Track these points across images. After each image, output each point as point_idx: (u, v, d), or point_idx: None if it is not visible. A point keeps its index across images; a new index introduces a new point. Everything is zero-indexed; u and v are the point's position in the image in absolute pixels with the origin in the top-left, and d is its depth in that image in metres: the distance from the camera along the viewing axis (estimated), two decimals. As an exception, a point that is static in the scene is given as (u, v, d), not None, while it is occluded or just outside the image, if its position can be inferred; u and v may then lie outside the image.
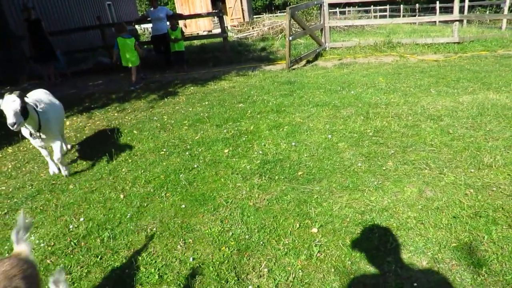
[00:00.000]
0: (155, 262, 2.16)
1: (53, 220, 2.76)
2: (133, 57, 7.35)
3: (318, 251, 2.13)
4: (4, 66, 9.36)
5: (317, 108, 4.76)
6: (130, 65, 7.41)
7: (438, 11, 20.99)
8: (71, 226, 2.64)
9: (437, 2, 21.05)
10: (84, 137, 4.69)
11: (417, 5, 24.92)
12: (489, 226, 2.20)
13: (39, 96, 3.44)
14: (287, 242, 2.24)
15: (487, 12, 19.22)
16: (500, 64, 6.70)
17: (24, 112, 2.89)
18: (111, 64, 10.09)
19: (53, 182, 3.45)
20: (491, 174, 2.78)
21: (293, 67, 7.83)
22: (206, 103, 5.62)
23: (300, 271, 2.00)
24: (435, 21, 17.42)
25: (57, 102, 3.78)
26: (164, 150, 3.90)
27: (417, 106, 4.51)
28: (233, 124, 4.46)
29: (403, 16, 25.18)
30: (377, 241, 2.17)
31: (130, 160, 3.75)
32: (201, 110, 5.25)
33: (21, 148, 4.60)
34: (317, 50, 8.90)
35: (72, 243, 2.44)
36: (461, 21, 10.19)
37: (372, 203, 2.55)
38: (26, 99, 2.94)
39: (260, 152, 3.59)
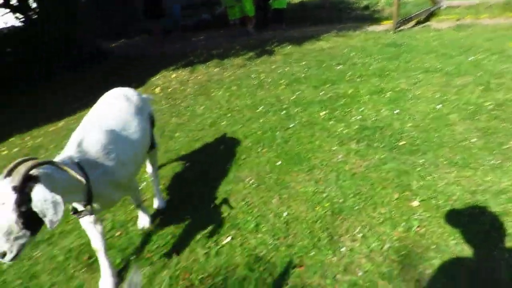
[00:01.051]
0: (252, 211, 2.29)
1: (162, 163, 3.08)
2: (251, 7, 8.21)
3: (418, 226, 2.02)
4: (120, 21, 10.33)
5: (426, 74, 4.32)
6: (249, 15, 8.32)
7: None
8: (178, 170, 2.92)
9: None
10: (188, 89, 5.02)
11: None
12: None
13: (103, 118, 1.94)
14: (383, 211, 2.17)
15: None
16: None
17: (30, 218, 1.29)
18: (212, 21, 10.47)
19: (162, 129, 3.81)
20: None
21: (400, 28, 7.15)
22: (304, 63, 5.51)
23: (396, 242, 1.93)
24: None
25: (137, 119, 2.04)
26: (261, 107, 3.99)
27: (555, 78, 3.80)
28: (331, 87, 4.33)
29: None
30: (488, 225, 1.97)
31: (229, 115, 3.93)
32: (298, 70, 5.18)
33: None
34: (431, 9, 7.95)
35: (178, 185, 2.71)
36: None
37: (486, 183, 2.29)
38: (40, 176, 1.33)
39: (359, 117, 3.44)
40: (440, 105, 3.45)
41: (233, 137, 3.37)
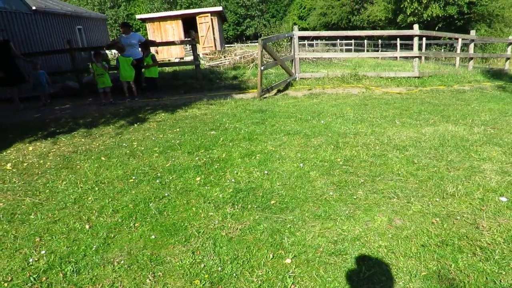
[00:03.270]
0: (123, 297, 2.05)
1: (11, 253, 2.57)
2: (131, 72, 8.57)
3: (292, 283, 2.11)
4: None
5: (289, 136, 4.84)
6: (129, 80, 8.68)
7: (399, 47, 22.41)
8: (31, 260, 2.47)
9: (398, 39, 22.50)
10: (48, 163, 4.47)
11: (379, 40, 26.49)
12: (455, 255, 2.27)
13: None
14: (260, 273, 2.20)
15: (442, 50, 20.74)
16: (456, 98, 7.17)
17: None
18: (78, 89, 9.90)
19: (13, 211, 3.24)
20: (454, 203, 2.91)
21: (264, 96, 7.99)
22: (177, 130, 5.57)
23: (274, 304, 1.96)
24: (396, 57, 18.52)
25: None
26: (134, 177, 3.79)
27: (383, 136, 4.69)
28: (205, 152, 4.44)
29: (367, 50, 26.67)
30: (350, 271, 2.18)
31: (96, 188, 3.61)
32: (172, 137, 5.19)
33: (-23, 174, 4.32)
34: (288, 80, 9.16)
35: (31, 278, 2.27)
36: (419, 57, 10.91)
37: (344, 232, 2.57)
38: None
39: (233, 180, 3.56)
40: (302, 164, 3.85)
41: (100, 214, 3.06)
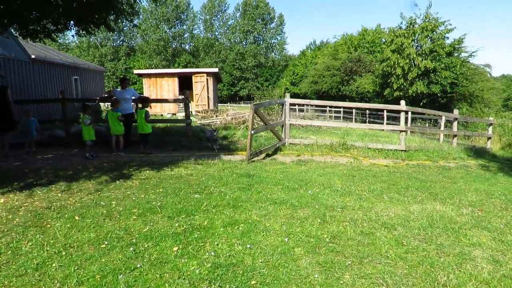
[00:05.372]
0: None
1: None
2: (120, 127, 8.43)
3: None
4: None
5: (275, 206, 4.69)
6: (118, 134, 8.47)
7: (385, 118, 23.31)
8: None
9: (385, 110, 23.47)
10: (17, 219, 4.18)
11: (367, 111, 27.58)
12: None
13: None
14: None
15: (427, 125, 21.60)
16: (443, 175, 7.23)
17: None
18: (65, 138, 9.77)
19: (-36, 275, 2.92)
20: (446, 296, 2.72)
21: (253, 159, 7.94)
22: (161, 190, 5.38)
23: None
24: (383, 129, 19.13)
25: None
26: (106, 242, 3.53)
27: (371, 212, 4.58)
28: (186, 217, 4.22)
29: (355, 119, 27.70)
30: None
31: (64, 253, 3.32)
32: (153, 197, 4.99)
33: None
34: (277, 145, 9.22)
35: None
36: (406, 131, 11.25)
37: (329, 326, 2.34)
38: None
39: (212, 253, 3.33)
40: (287, 239, 3.66)
41: (62, 285, 2.77)
